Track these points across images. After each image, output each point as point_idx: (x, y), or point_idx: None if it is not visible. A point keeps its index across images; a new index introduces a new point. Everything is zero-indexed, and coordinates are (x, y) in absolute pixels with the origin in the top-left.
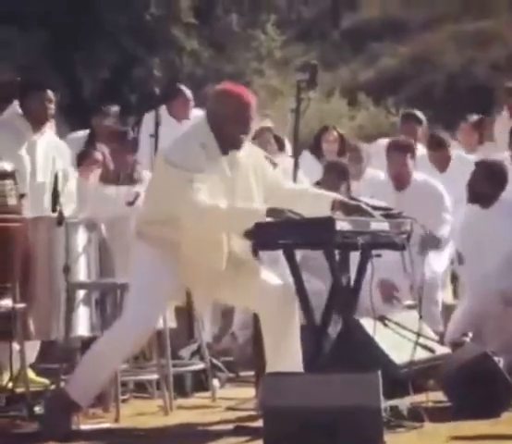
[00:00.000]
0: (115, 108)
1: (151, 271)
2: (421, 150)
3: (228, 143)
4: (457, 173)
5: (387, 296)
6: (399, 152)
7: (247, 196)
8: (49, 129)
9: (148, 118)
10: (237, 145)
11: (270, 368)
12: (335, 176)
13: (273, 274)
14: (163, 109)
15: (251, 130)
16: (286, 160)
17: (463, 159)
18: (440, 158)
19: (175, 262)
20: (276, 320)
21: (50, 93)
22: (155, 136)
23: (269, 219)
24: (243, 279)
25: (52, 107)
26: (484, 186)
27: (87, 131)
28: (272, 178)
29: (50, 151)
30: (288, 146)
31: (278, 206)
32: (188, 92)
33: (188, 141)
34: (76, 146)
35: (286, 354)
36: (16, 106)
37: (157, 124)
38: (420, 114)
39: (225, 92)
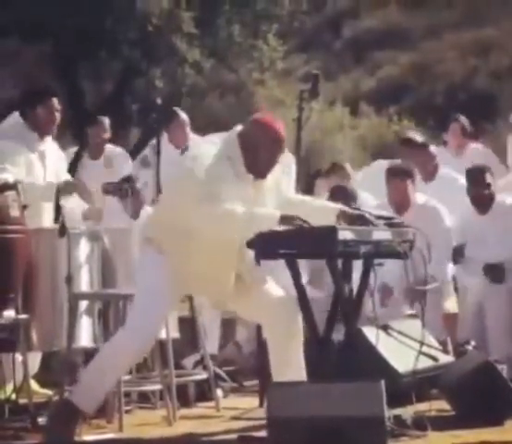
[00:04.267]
0: (106, 120)
1: (156, 279)
2: None
3: (255, 172)
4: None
5: (384, 300)
6: (399, 178)
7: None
8: (50, 138)
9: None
10: (262, 175)
11: (275, 379)
12: (341, 200)
13: (276, 285)
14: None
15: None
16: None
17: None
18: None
19: (182, 271)
20: (281, 332)
21: (56, 102)
22: (157, 166)
23: (279, 226)
24: (248, 291)
25: (58, 116)
26: (486, 191)
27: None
28: (284, 192)
29: (56, 159)
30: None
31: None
32: (185, 116)
33: (221, 164)
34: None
35: (291, 366)
36: (16, 116)
37: (158, 153)
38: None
39: (267, 122)
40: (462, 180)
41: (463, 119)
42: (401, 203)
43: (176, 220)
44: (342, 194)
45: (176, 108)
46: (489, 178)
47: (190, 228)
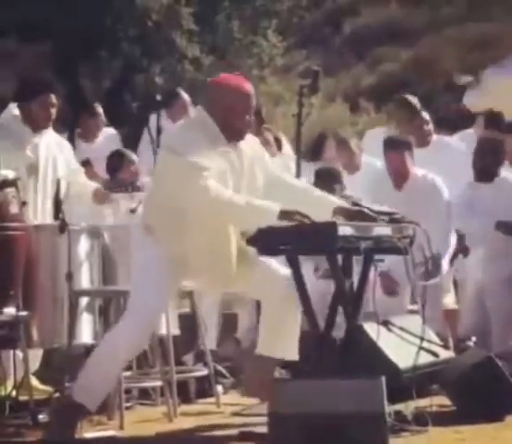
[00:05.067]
0: (100, 109)
1: (156, 270)
2: None
3: (232, 134)
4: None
5: (388, 289)
6: (397, 149)
7: (253, 188)
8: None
9: (151, 123)
10: (240, 135)
11: (260, 350)
12: (326, 181)
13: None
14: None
15: (252, 120)
16: (285, 160)
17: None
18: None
19: (182, 255)
20: (278, 306)
21: (53, 97)
22: (157, 142)
23: (279, 221)
24: (251, 266)
25: (54, 112)
26: (490, 161)
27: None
28: (272, 168)
29: (52, 150)
30: (287, 147)
31: (283, 204)
32: (187, 97)
33: (192, 131)
34: None
35: (279, 338)
36: (11, 109)
37: (159, 130)
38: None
39: (224, 83)
40: (456, 145)
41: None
42: (400, 174)
43: (168, 202)
44: (327, 176)
45: (178, 89)
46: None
47: (184, 208)
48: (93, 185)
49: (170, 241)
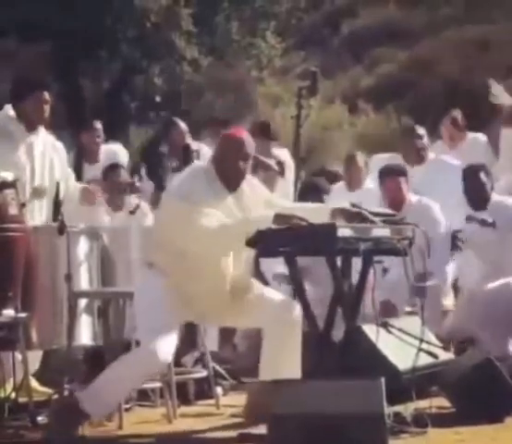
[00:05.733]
0: (99, 124)
1: (159, 300)
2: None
3: (228, 182)
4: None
5: (387, 314)
6: (393, 177)
7: None
8: (43, 129)
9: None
10: (236, 183)
11: (263, 376)
12: (311, 195)
13: (273, 291)
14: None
15: (249, 166)
16: (286, 186)
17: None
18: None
19: (183, 292)
20: (278, 332)
21: (46, 95)
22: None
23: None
24: (247, 303)
25: (47, 109)
26: (487, 190)
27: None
28: (268, 199)
29: (47, 150)
30: (290, 174)
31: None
32: (183, 125)
33: (195, 179)
34: None
35: (284, 366)
36: (7, 110)
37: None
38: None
39: (230, 133)
40: (452, 162)
41: (455, 113)
42: (395, 201)
43: (170, 241)
44: (313, 189)
45: (174, 118)
46: (483, 177)
47: (185, 249)
48: (81, 186)
49: (173, 279)
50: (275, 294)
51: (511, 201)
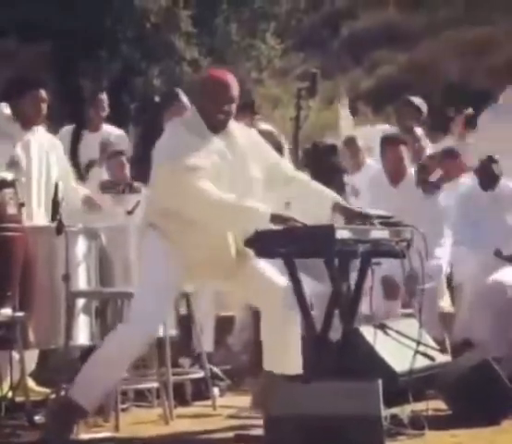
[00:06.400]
0: (104, 95)
1: (161, 267)
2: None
3: (214, 124)
4: None
5: (389, 293)
6: (394, 146)
7: (245, 178)
8: (41, 127)
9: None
10: (222, 125)
11: (267, 366)
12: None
13: (277, 273)
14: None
15: (233, 110)
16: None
17: None
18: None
19: (185, 254)
20: (278, 319)
21: (43, 93)
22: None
23: (272, 225)
24: (249, 274)
25: (44, 107)
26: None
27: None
28: (272, 158)
29: (44, 147)
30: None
31: (283, 195)
32: (185, 99)
33: (179, 132)
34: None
35: (285, 353)
36: (3, 108)
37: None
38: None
39: (206, 75)
40: None
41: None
42: (397, 170)
43: (166, 203)
44: (334, 171)
45: (178, 90)
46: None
47: (183, 212)
48: (85, 191)
49: (172, 237)
50: (278, 277)
51: None
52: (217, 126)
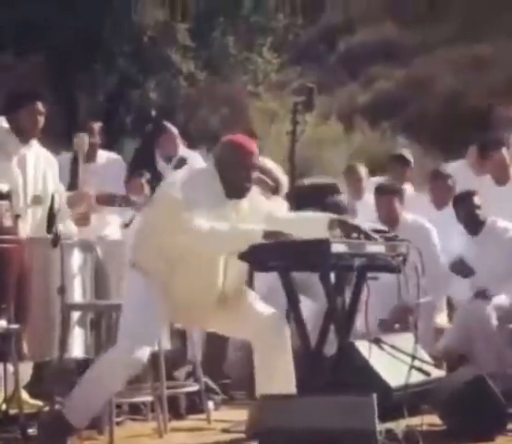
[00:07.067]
0: (98, 124)
1: (144, 305)
2: (409, 190)
3: (233, 191)
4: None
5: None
6: (387, 195)
7: None
8: (36, 142)
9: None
10: (242, 193)
11: (260, 391)
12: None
13: (263, 303)
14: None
15: (253, 178)
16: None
17: None
18: (440, 190)
19: (167, 295)
20: (269, 347)
21: (40, 106)
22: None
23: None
24: (235, 312)
25: (41, 120)
26: (480, 214)
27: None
28: (267, 212)
29: (40, 163)
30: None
31: (274, 229)
32: (174, 130)
33: (195, 183)
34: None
35: (277, 381)
36: (1, 123)
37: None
38: (407, 154)
39: (233, 141)
40: None
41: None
42: (389, 219)
43: (159, 244)
44: (336, 208)
45: (165, 122)
46: (477, 201)
47: (175, 252)
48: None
49: (157, 276)
50: (265, 307)
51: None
52: (235, 193)
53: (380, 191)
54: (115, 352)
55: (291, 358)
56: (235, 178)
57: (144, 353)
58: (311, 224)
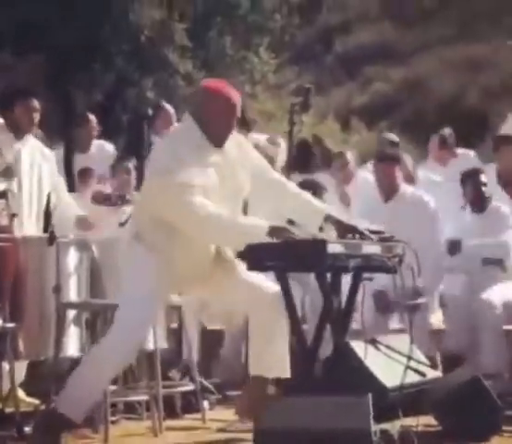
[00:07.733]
0: (92, 118)
1: (146, 279)
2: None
3: (216, 139)
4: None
5: (381, 306)
6: (387, 162)
7: (235, 189)
8: (31, 137)
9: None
10: (223, 140)
11: (254, 370)
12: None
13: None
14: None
15: (235, 123)
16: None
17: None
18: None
19: (170, 268)
20: (266, 322)
21: (35, 102)
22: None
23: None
24: (236, 281)
25: (36, 116)
26: (486, 192)
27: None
28: (261, 167)
29: (36, 158)
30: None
31: (273, 205)
32: (171, 109)
33: (177, 145)
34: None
35: (272, 356)
36: None
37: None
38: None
39: (213, 88)
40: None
41: (445, 131)
42: (389, 187)
43: (157, 216)
44: (312, 188)
45: (162, 102)
46: (484, 178)
47: (172, 225)
48: (77, 211)
49: (158, 248)
50: (267, 283)
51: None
52: (218, 141)
53: (380, 157)
54: (112, 334)
55: (287, 337)
56: (217, 128)
57: (142, 335)
58: (308, 211)
